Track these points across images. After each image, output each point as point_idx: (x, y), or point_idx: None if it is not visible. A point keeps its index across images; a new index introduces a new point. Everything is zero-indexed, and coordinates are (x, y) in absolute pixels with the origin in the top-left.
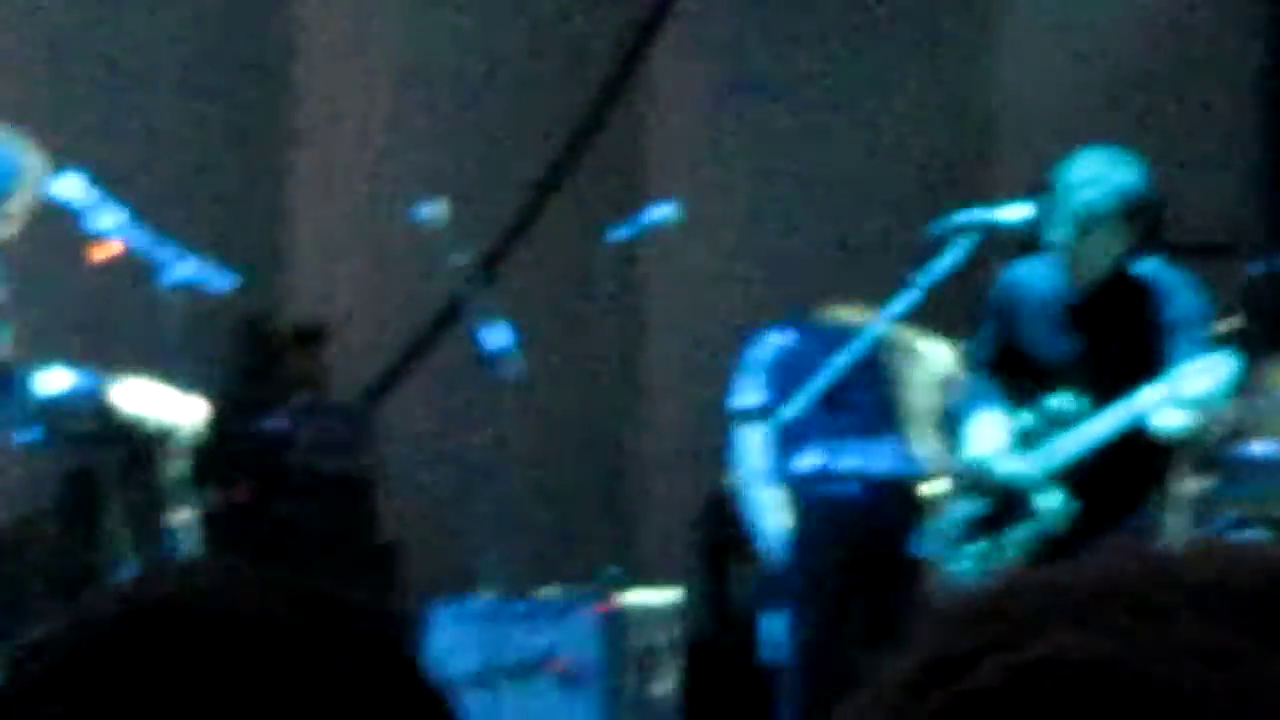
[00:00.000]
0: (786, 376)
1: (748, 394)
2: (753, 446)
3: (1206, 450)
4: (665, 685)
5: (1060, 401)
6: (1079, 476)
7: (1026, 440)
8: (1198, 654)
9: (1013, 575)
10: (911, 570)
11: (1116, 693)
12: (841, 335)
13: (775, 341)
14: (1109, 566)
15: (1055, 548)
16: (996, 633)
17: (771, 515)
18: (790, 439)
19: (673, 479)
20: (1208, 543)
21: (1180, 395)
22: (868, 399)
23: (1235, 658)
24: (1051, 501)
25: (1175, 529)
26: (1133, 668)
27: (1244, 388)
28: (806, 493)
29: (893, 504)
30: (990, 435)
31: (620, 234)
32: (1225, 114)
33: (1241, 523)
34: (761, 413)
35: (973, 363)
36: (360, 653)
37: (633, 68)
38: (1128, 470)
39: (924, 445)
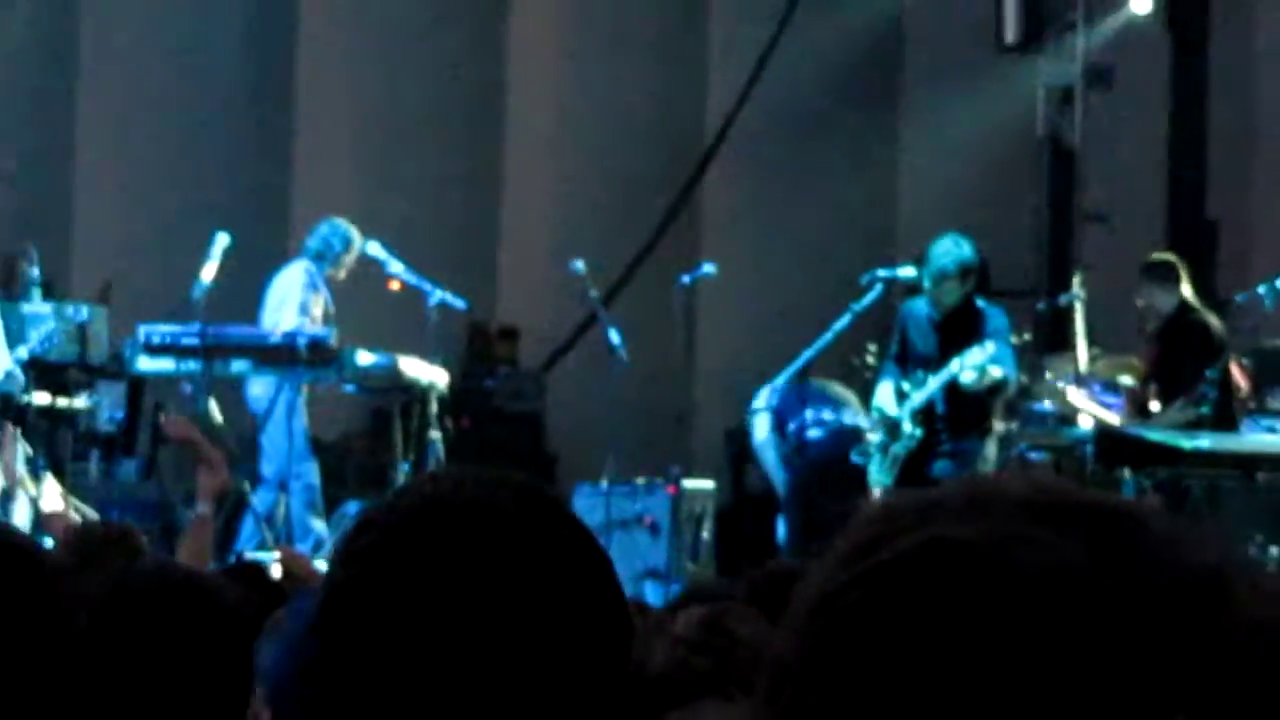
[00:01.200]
0: (783, 408)
1: (761, 409)
2: (761, 426)
3: (1010, 404)
4: (706, 534)
5: (919, 376)
6: (931, 417)
7: (902, 397)
8: (1016, 536)
9: (906, 493)
10: (856, 477)
11: (972, 559)
12: (814, 390)
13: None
14: (961, 488)
15: (914, 459)
16: (897, 525)
17: (775, 464)
18: (784, 409)
19: (712, 417)
20: (1015, 473)
21: (967, 363)
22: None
23: (1038, 539)
24: (910, 430)
25: (990, 452)
26: (980, 543)
27: (1031, 371)
28: (798, 437)
29: (846, 440)
30: (884, 394)
31: (685, 280)
32: (1026, 216)
33: (1030, 449)
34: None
35: (886, 355)
36: (554, 517)
37: (696, 181)
38: (962, 415)
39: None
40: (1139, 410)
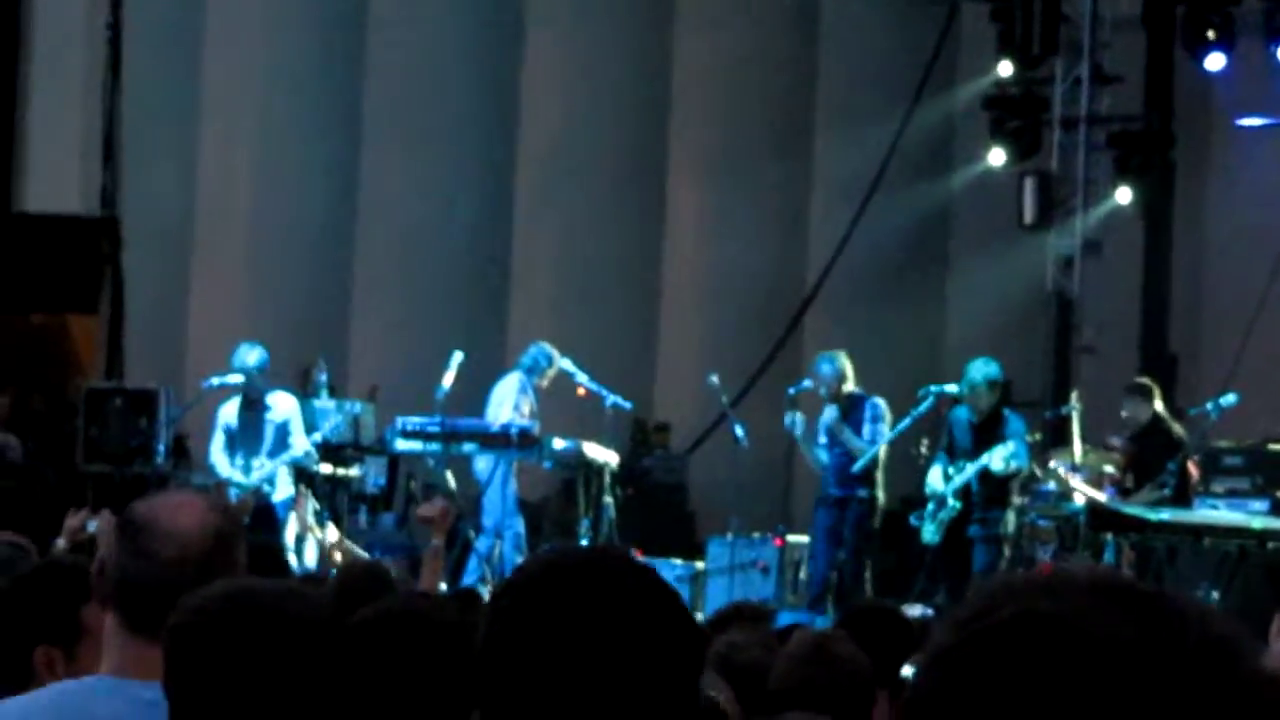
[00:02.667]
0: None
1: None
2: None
3: (1024, 484)
4: (802, 575)
5: (960, 464)
6: (968, 493)
7: (947, 478)
8: (1082, 611)
9: (1003, 577)
10: (912, 533)
11: (1049, 627)
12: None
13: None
14: (1043, 574)
15: (954, 524)
16: (999, 599)
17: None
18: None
19: (807, 489)
20: (1078, 564)
21: (996, 456)
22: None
23: (1097, 612)
24: (953, 503)
25: (1010, 519)
26: (1056, 615)
27: (1039, 461)
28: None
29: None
30: (934, 476)
31: (790, 391)
32: (1038, 349)
33: (1039, 518)
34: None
35: (938, 447)
36: (641, 573)
37: (799, 319)
38: (990, 492)
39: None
40: (1119, 491)
